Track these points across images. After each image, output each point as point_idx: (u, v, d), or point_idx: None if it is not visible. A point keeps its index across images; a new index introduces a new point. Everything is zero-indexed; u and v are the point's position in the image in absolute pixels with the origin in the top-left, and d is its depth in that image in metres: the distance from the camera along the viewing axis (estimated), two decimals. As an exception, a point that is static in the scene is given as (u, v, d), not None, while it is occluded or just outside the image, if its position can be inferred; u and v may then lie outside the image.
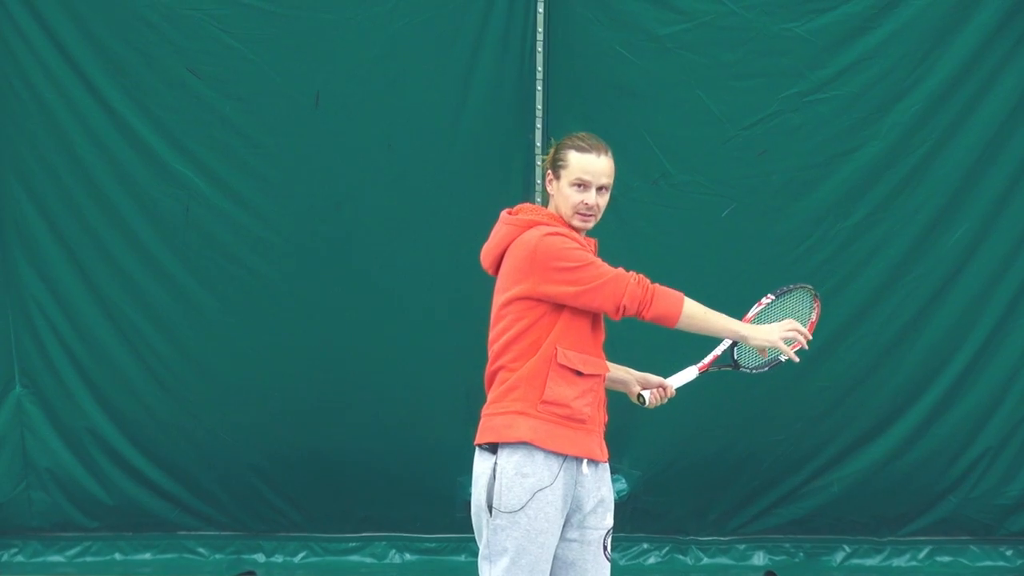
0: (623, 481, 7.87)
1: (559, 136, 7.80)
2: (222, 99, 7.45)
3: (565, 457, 4.45)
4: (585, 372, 4.48)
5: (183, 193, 7.56)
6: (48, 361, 7.85)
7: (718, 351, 4.87)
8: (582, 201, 4.53)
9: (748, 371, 4.91)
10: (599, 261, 4.51)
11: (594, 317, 4.57)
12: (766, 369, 4.92)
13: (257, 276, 7.70)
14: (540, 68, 7.38)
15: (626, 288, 4.42)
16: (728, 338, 4.65)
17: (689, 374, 4.87)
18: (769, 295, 4.96)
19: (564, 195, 4.58)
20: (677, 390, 4.90)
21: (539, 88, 7.43)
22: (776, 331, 4.55)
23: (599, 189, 4.56)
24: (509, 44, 7.44)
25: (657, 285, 4.46)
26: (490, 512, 4.45)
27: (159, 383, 7.83)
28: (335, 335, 7.86)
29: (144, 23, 7.32)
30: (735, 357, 4.86)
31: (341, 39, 7.41)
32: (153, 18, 7.31)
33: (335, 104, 7.49)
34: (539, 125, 7.42)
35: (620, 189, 7.12)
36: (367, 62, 7.43)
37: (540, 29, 7.29)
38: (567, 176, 4.57)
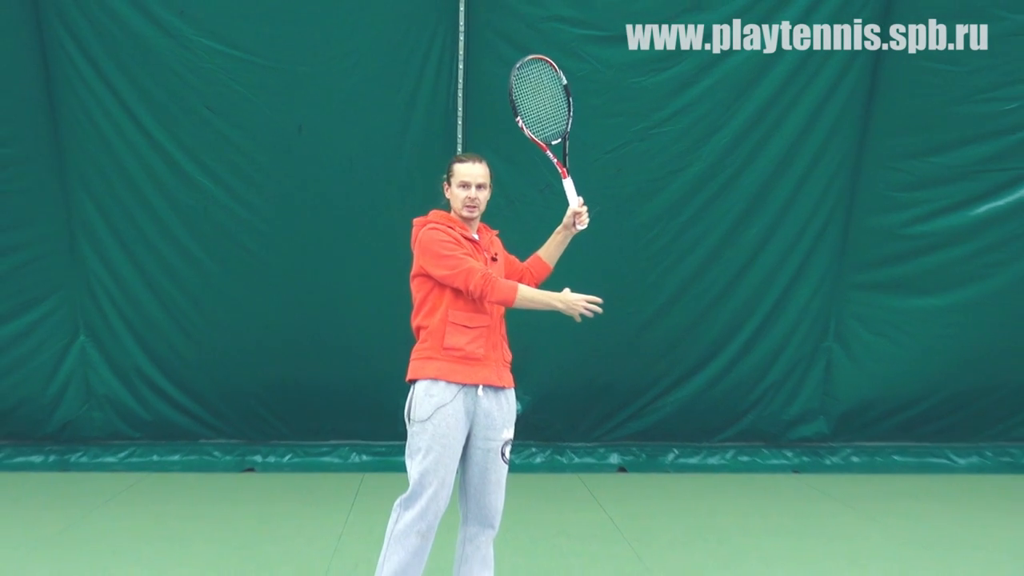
0: (518, 403, 8.38)
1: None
2: (230, 128, 8.16)
3: (462, 385, 4.75)
4: (471, 325, 4.76)
5: (202, 196, 8.31)
6: (104, 317, 8.63)
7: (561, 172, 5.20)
8: (467, 196, 4.88)
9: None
10: (460, 255, 4.72)
11: None
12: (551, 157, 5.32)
13: (254, 255, 8.40)
14: (460, 109, 8.12)
15: (472, 279, 4.69)
16: (549, 309, 4.70)
17: (569, 187, 5.13)
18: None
19: (454, 194, 4.92)
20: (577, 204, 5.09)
21: (459, 123, 8.15)
22: (579, 307, 4.63)
23: (478, 187, 4.89)
24: (437, 91, 8.14)
25: (498, 280, 4.68)
26: (409, 422, 4.82)
27: (184, 332, 8.65)
28: (311, 299, 8.49)
29: (173, 73, 8.08)
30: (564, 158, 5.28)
31: (316, 86, 8.06)
32: (181, 70, 8.06)
33: (313, 132, 8.15)
34: (460, 150, 8.04)
35: (517, 195, 8.27)
36: (336, 102, 8.10)
37: (460, 82, 8.07)
38: (454, 181, 4.92)
